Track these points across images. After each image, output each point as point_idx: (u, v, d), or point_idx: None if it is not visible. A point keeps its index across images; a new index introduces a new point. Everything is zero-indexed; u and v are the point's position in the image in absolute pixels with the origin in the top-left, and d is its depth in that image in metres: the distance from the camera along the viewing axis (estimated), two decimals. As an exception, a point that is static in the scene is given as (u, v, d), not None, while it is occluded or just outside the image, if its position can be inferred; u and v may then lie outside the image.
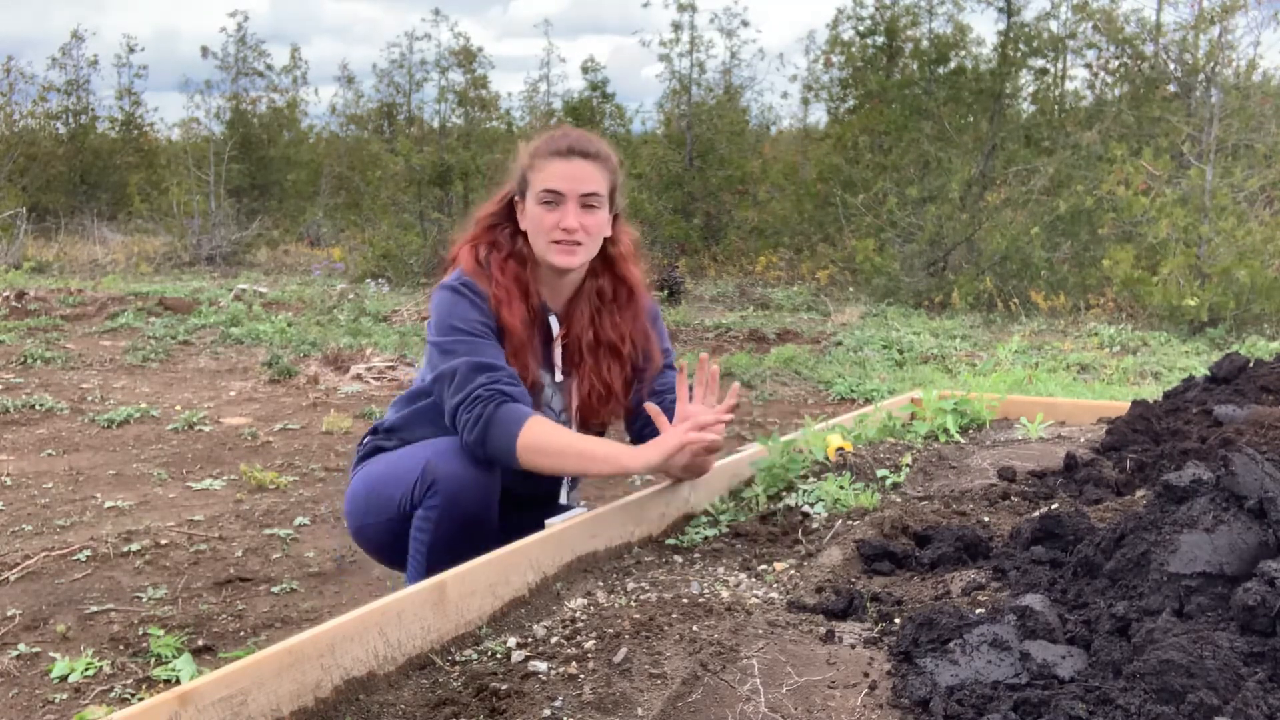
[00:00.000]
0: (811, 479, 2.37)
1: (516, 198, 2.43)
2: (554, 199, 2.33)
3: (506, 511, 2.32)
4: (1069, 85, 16.67)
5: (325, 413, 6.19)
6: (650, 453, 2.14)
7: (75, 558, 3.69)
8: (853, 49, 16.39)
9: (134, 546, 3.79)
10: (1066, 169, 12.97)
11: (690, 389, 2.26)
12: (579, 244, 2.34)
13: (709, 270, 15.88)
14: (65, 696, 2.69)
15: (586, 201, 2.33)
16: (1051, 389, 3.71)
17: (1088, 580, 1.52)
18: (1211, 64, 12.35)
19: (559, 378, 2.44)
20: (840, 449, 2.54)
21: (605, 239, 2.44)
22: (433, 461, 2.23)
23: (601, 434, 2.55)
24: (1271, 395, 2.55)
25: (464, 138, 16.78)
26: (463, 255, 2.40)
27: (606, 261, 2.47)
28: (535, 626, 1.69)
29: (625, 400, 2.51)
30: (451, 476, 2.21)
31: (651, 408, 2.24)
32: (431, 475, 2.22)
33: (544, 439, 2.15)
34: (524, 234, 2.40)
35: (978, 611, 1.49)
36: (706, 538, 2.11)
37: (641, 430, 2.51)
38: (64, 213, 19.43)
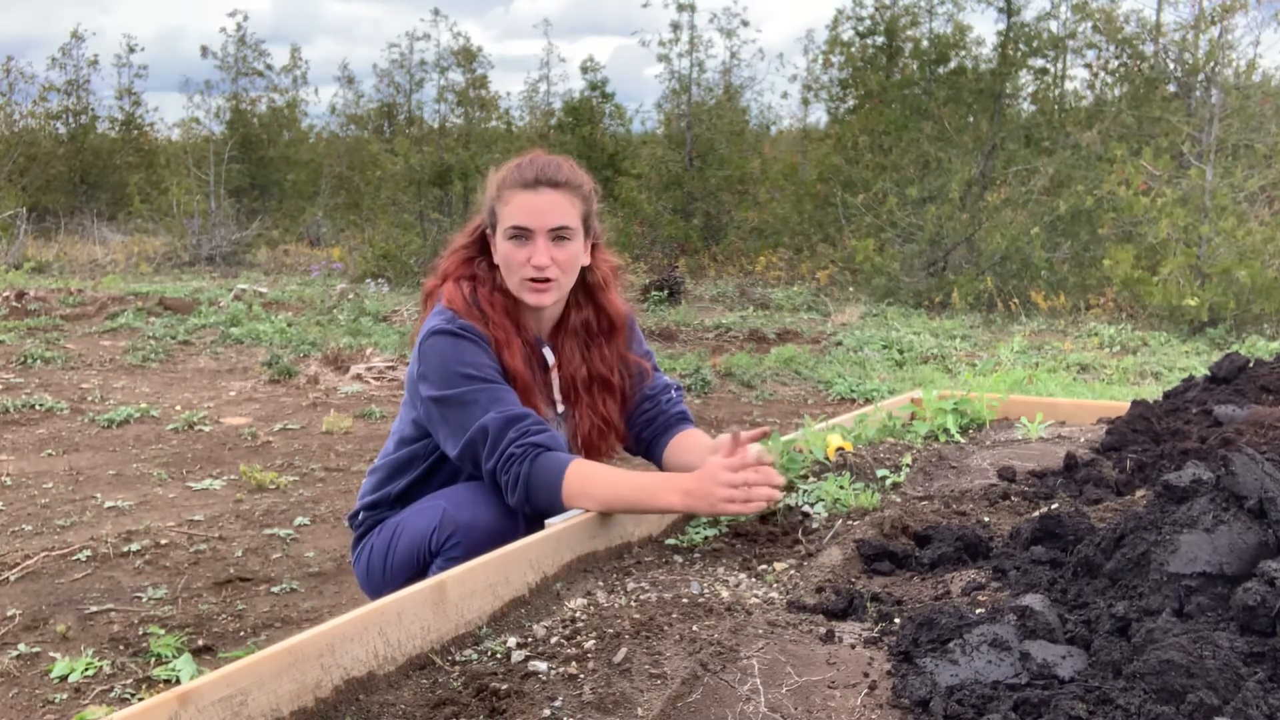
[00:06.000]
0: (811, 479, 2.37)
1: (488, 230, 2.34)
2: (522, 234, 2.24)
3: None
4: (1069, 85, 16.72)
5: (325, 413, 6.19)
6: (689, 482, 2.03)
7: (75, 558, 3.69)
8: (852, 49, 16.41)
9: (134, 546, 3.79)
10: (1066, 169, 12.98)
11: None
12: (551, 280, 2.25)
13: (709, 270, 15.88)
14: (65, 696, 2.69)
15: (557, 234, 2.24)
16: (1052, 389, 3.71)
17: (1088, 580, 1.52)
18: (1211, 64, 12.35)
19: (560, 409, 2.39)
20: (840, 449, 2.54)
21: (585, 269, 2.36)
22: (449, 511, 2.17)
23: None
24: (1271, 395, 2.55)
25: (464, 138, 16.80)
26: (448, 293, 2.29)
27: (587, 292, 2.40)
28: (535, 626, 1.69)
29: (623, 429, 2.47)
30: (470, 527, 2.15)
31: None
32: (451, 525, 2.16)
33: (588, 486, 2.04)
34: (497, 266, 2.32)
35: (978, 611, 1.49)
36: (706, 537, 2.11)
37: (640, 434, 2.50)
38: (64, 213, 19.45)
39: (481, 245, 2.38)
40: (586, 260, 2.37)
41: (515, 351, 2.27)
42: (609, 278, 2.43)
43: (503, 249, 2.28)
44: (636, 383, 2.48)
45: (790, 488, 2.32)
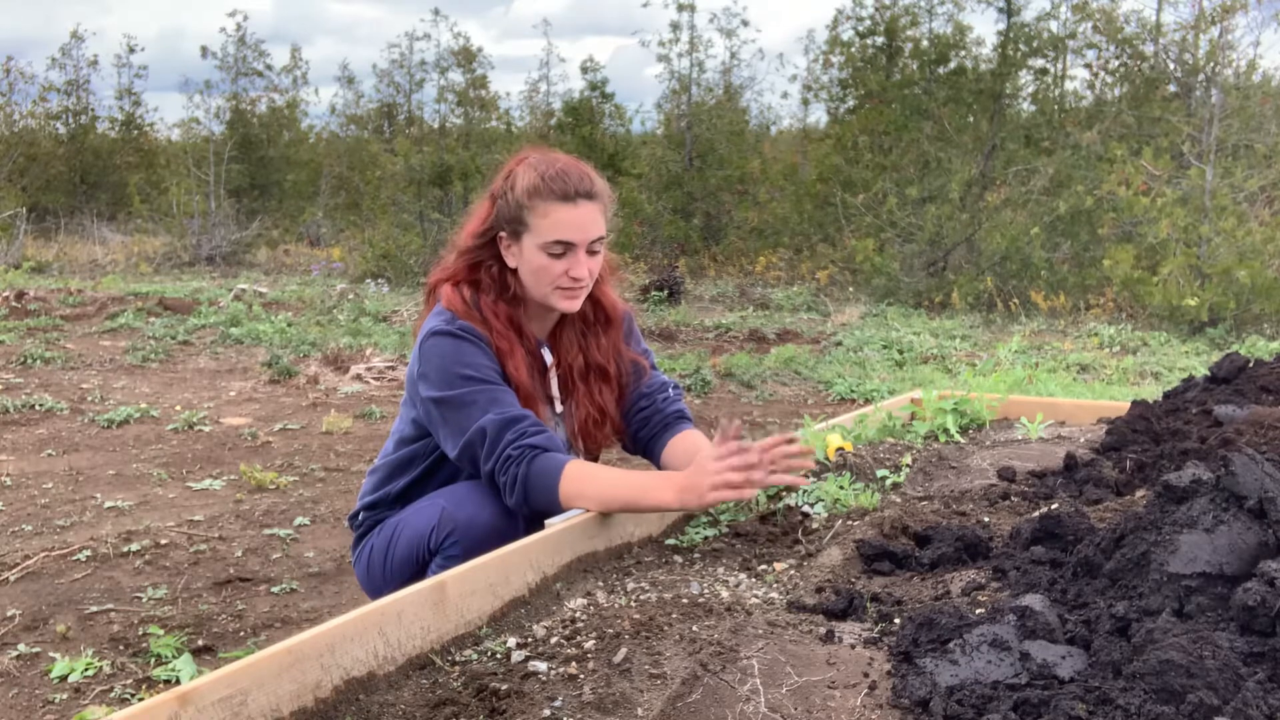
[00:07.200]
0: (811, 479, 2.37)
1: (501, 234, 2.31)
2: (564, 249, 2.24)
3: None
4: (1069, 85, 16.71)
5: (325, 413, 6.19)
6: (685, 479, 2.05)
7: (75, 558, 3.69)
8: (852, 49, 16.40)
9: (134, 546, 3.79)
10: (1066, 169, 12.97)
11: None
12: (584, 288, 2.30)
13: (709, 270, 15.88)
14: (65, 696, 2.69)
15: (593, 247, 2.28)
16: (1051, 389, 3.71)
17: (1088, 580, 1.53)
18: (1211, 64, 12.36)
19: (558, 408, 2.40)
20: (840, 449, 2.54)
21: None
22: (449, 510, 2.18)
23: (597, 458, 2.48)
24: (1271, 395, 2.54)
25: (463, 138, 16.81)
26: (446, 296, 2.30)
27: None
28: (535, 626, 1.69)
29: (619, 420, 2.48)
30: (469, 525, 2.16)
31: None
32: (450, 523, 2.17)
33: (584, 487, 2.06)
34: (510, 270, 2.32)
35: (978, 611, 1.49)
36: (706, 538, 2.11)
37: (637, 433, 2.50)
38: (64, 213, 19.44)
39: (491, 248, 2.34)
40: None
41: (519, 363, 2.28)
42: (604, 272, 2.45)
43: (537, 260, 2.26)
44: (633, 379, 2.49)
45: (790, 487, 2.31)
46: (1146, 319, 11.13)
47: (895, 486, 2.38)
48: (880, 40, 16.10)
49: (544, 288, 2.28)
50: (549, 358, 2.39)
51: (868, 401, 6.24)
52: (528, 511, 2.14)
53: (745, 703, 1.33)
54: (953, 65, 15.19)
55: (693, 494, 2.00)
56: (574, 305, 2.30)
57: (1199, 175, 11.28)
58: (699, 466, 2.02)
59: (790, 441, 2.10)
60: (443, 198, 15.84)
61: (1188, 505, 1.45)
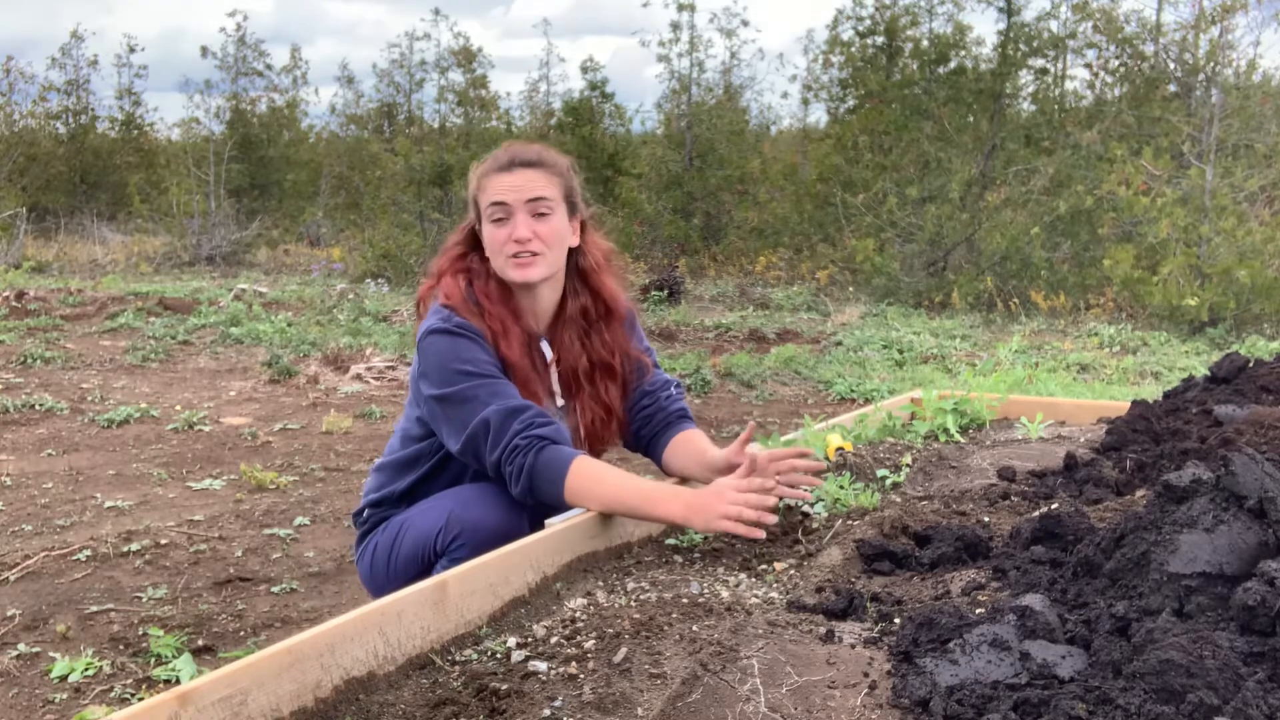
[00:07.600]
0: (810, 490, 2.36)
1: (476, 225, 2.37)
2: (502, 212, 2.26)
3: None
4: (1069, 85, 16.70)
5: (325, 413, 6.19)
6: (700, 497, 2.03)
7: (75, 558, 3.69)
8: (852, 49, 16.40)
9: (134, 546, 3.79)
10: (1066, 169, 12.97)
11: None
12: (536, 254, 2.26)
13: (709, 270, 15.88)
14: (65, 696, 2.69)
15: (536, 209, 2.26)
16: (1051, 389, 3.71)
17: (1088, 580, 1.53)
18: (1211, 64, 12.36)
19: (560, 403, 2.40)
20: (840, 449, 2.54)
21: (576, 253, 2.38)
22: (456, 512, 2.18)
23: (600, 457, 2.46)
24: (1271, 395, 2.54)
25: (464, 138, 16.81)
26: (445, 287, 2.32)
27: (582, 277, 2.41)
28: (535, 626, 1.69)
29: (624, 416, 2.48)
30: (476, 528, 2.15)
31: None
32: (457, 525, 2.17)
33: (590, 485, 2.06)
34: (488, 259, 2.34)
35: (978, 611, 1.49)
36: (706, 537, 2.11)
37: (639, 431, 2.50)
38: (64, 213, 19.44)
39: (473, 241, 2.40)
40: (575, 241, 2.37)
41: (513, 341, 2.28)
42: (601, 261, 2.44)
43: (487, 234, 2.31)
44: (636, 375, 2.49)
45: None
46: (1146, 319, 11.13)
47: (895, 486, 2.38)
48: (880, 40, 16.09)
49: (499, 260, 2.30)
50: (549, 352, 2.39)
51: (868, 401, 6.24)
52: (532, 502, 2.14)
53: (745, 703, 1.33)
54: (953, 65, 15.18)
55: (701, 515, 1.98)
56: (527, 273, 2.27)
57: (1199, 175, 11.28)
58: (717, 490, 1.99)
59: (802, 456, 2.11)
60: (443, 198, 15.84)
61: (1188, 505, 1.45)
